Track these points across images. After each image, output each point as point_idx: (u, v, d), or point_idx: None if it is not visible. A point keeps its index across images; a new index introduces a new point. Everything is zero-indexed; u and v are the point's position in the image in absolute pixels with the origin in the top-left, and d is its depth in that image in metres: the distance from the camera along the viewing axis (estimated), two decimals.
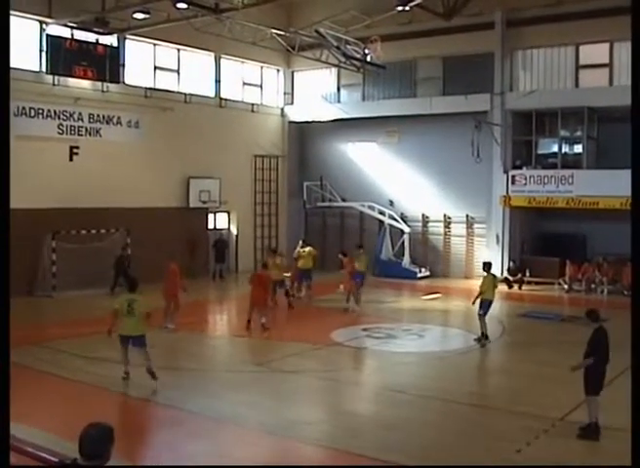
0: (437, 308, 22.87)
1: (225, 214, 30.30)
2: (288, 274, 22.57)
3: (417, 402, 12.27)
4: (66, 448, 6.07)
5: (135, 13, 23.12)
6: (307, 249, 22.90)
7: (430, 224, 30.24)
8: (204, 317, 21.35)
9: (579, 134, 26.84)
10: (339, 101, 31.70)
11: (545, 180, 26.19)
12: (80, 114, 24.00)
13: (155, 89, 27.07)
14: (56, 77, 23.52)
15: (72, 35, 23.58)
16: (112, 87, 25.11)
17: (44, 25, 23.31)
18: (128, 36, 25.37)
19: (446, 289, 26.26)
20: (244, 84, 31.23)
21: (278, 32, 25.69)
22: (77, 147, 24.17)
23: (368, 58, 25.87)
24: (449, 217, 29.70)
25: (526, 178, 26.65)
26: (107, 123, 24.81)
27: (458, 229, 29.61)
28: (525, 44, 27.22)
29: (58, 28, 23.36)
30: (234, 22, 23.70)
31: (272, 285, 20.94)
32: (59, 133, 23.54)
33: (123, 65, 25.59)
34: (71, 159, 24.09)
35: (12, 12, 21.32)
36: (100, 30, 23.73)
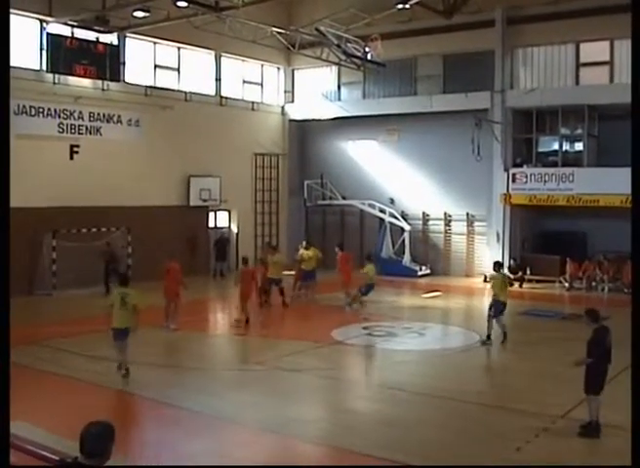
0: (438, 306, 22.86)
1: (226, 213, 30.30)
2: (290, 272, 22.55)
3: (416, 400, 12.28)
4: (67, 447, 6.08)
5: (135, 11, 23.13)
6: (311, 250, 22.78)
7: (431, 222, 30.23)
8: (204, 315, 21.35)
9: (579, 131, 26.83)
10: (339, 99, 31.69)
11: (546, 178, 26.19)
12: (80, 113, 24.00)
13: (155, 87, 27.07)
14: (56, 76, 23.52)
15: (72, 34, 23.59)
16: (112, 85, 25.10)
17: (44, 24, 23.31)
18: (128, 34, 25.38)
19: (446, 287, 26.25)
20: (244, 82, 31.22)
21: (278, 30, 25.70)
22: (77, 146, 24.17)
23: (368, 57, 25.91)
24: (449, 215, 29.70)
25: (526, 176, 26.64)
26: (108, 121, 24.81)
27: (458, 227, 29.60)
28: (525, 42, 27.20)
29: (58, 27, 23.36)
30: (234, 21, 23.71)
31: (269, 283, 20.98)
32: (59, 131, 23.55)
33: (123, 64, 25.59)
34: (72, 158, 24.10)
35: (12, 10, 21.37)
36: (101, 29, 23.73)
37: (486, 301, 24.93)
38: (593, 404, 10.10)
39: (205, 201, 28.32)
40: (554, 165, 26.74)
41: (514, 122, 27.63)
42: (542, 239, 28.13)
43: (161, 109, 26.52)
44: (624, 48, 23.81)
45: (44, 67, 23.31)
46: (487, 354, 16.45)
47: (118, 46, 25.00)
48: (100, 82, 24.69)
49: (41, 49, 23.37)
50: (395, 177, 30.62)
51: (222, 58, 29.82)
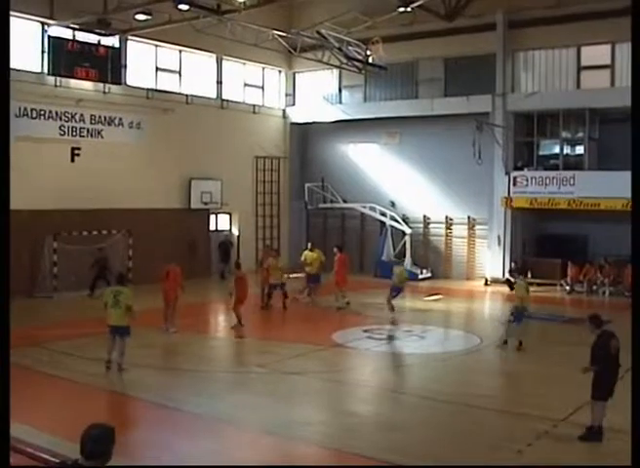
0: (438, 309, 22.84)
1: (227, 216, 30.30)
2: (296, 275, 22.55)
3: (417, 403, 12.27)
4: (67, 449, 6.07)
5: (136, 14, 23.14)
6: (315, 252, 22.71)
7: (432, 226, 30.22)
8: (205, 317, 21.34)
9: (580, 135, 26.84)
10: (340, 103, 31.71)
11: (547, 182, 26.20)
12: (82, 115, 24.02)
13: (157, 90, 27.09)
14: (57, 78, 23.55)
15: (74, 36, 23.63)
16: (114, 88, 25.13)
17: (46, 27, 23.35)
18: (129, 37, 25.41)
19: (447, 290, 26.23)
20: (245, 85, 31.25)
21: (280, 33, 25.71)
22: (79, 148, 24.19)
23: (369, 60, 25.89)
24: (450, 219, 29.69)
25: (527, 180, 26.64)
26: (109, 124, 24.83)
27: (459, 230, 29.59)
28: (526, 45, 27.22)
29: (59, 29, 23.40)
30: (236, 24, 23.72)
31: (268, 287, 20.95)
32: (60, 134, 23.56)
33: (125, 66, 25.62)
34: (73, 160, 24.12)
35: (13, 13, 21.41)
36: (102, 31, 23.75)
37: (487, 305, 25.14)
38: (597, 408, 10.05)
39: (206, 204, 28.32)
40: (555, 168, 26.74)
41: (515, 125, 27.65)
42: (543, 242, 28.12)
43: (162, 112, 26.54)
44: (625, 51, 23.82)
45: (45, 70, 23.32)
46: (488, 357, 16.43)
47: (120, 49, 25.03)
48: (101, 85, 24.71)
49: (43, 51, 23.39)
50: (396, 181, 30.62)
51: (224, 61, 29.85)
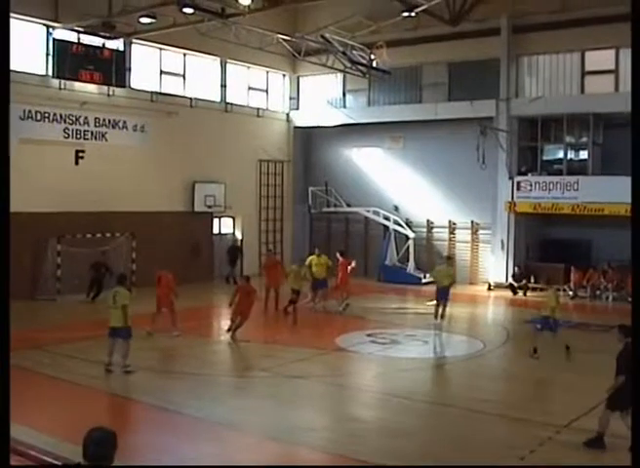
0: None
1: (230, 219, 30.29)
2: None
3: (420, 408, 12.24)
4: (68, 451, 6.07)
5: (141, 17, 23.15)
6: (322, 257, 22.30)
7: (435, 230, 30.19)
8: (208, 321, 21.33)
9: (584, 140, 26.80)
10: (344, 107, 31.71)
11: (551, 187, 26.16)
12: (86, 118, 24.05)
13: (161, 93, 27.12)
14: (62, 81, 23.58)
15: (79, 39, 23.65)
16: (118, 91, 25.16)
17: (50, 29, 23.38)
18: (134, 40, 25.45)
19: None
20: (250, 89, 31.27)
21: (284, 37, 25.73)
22: (83, 151, 24.21)
23: (374, 64, 25.92)
24: (454, 223, 29.66)
25: (531, 185, 26.61)
26: (113, 127, 24.85)
27: (462, 235, 29.55)
28: (531, 50, 27.20)
29: (64, 32, 23.44)
30: (240, 27, 23.74)
31: (294, 293, 20.66)
32: (64, 136, 23.59)
33: (129, 70, 25.65)
34: (77, 163, 24.14)
35: (19, 16, 21.50)
36: (107, 34, 23.79)
37: (490, 309, 25.06)
38: (605, 417, 9.90)
39: (210, 207, 28.33)
40: (559, 173, 26.70)
41: (519, 130, 27.62)
42: (547, 247, 28.06)
43: (166, 115, 26.57)
44: (630, 56, 23.75)
45: (50, 73, 23.35)
46: (491, 362, 16.39)
47: (124, 52, 25.07)
48: (105, 87, 24.75)
49: (47, 54, 23.43)
50: (400, 185, 30.60)
51: (228, 65, 29.87)
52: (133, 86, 26.00)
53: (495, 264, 27.97)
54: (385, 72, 26.37)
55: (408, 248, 29.27)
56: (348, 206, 31.14)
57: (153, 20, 23.22)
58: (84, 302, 22.00)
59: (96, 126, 24.35)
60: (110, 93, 25.02)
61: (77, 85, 23.96)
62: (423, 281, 28.53)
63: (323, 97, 32.33)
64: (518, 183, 26.82)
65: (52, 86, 23.48)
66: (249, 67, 30.84)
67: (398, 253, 29.59)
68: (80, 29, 23.34)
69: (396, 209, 30.51)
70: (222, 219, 29.88)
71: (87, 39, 23.77)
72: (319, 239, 31.25)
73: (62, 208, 23.07)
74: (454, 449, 10.06)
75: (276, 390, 13.22)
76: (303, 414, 11.82)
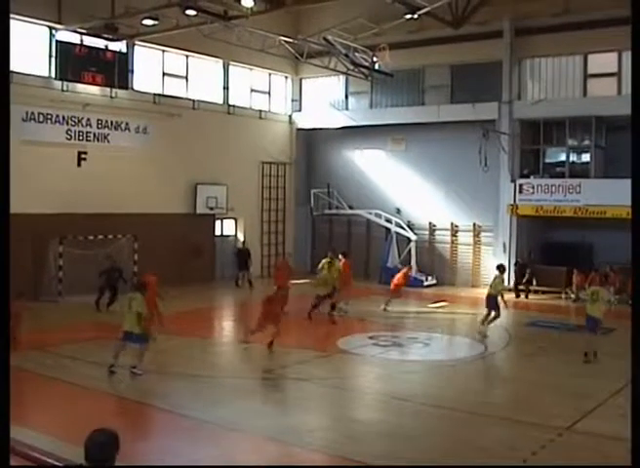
0: (443, 316, 22.79)
1: (232, 221, 30.30)
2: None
3: (422, 410, 12.22)
4: (69, 452, 6.06)
5: (144, 19, 23.17)
6: (335, 263, 21.49)
7: (437, 232, 30.19)
8: (210, 323, 21.32)
9: (586, 143, 26.78)
10: (346, 109, 31.73)
11: (553, 189, 26.15)
12: (88, 120, 24.09)
13: (164, 95, 27.16)
14: (65, 83, 23.61)
15: (81, 41, 23.69)
16: (121, 93, 25.18)
17: (54, 31, 23.42)
18: (137, 42, 25.48)
19: (452, 297, 26.19)
20: (252, 91, 31.30)
21: (287, 39, 25.76)
22: (85, 153, 24.23)
23: (376, 66, 25.92)
24: (456, 226, 29.65)
25: (533, 187, 26.60)
26: (115, 129, 24.89)
27: (464, 238, 29.55)
28: (533, 53, 27.21)
29: (67, 34, 23.47)
30: (243, 30, 23.77)
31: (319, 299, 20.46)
32: (67, 138, 23.62)
33: (132, 71, 25.69)
34: (79, 164, 24.16)
35: (22, 17, 21.54)
36: (110, 36, 23.81)
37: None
38: None
39: (212, 209, 28.34)
40: (561, 176, 26.69)
41: (521, 133, 27.61)
42: (549, 250, 28.04)
43: (169, 117, 26.60)
44: None
45: (53, 74, 23.39)
46: (493, 365, 16.39)
47: (127, 54, 25.11)
48: (108, 89, 24.77)
49: (50, 56, 23.46)
50: (402, 187, 30.61)
51: (230, 67, 29.91)
52: (135, 88, 26.04)
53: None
54: (388, 74, 26.38)
55: (410, 250, 29.26)
56: (350, 208, 31.15)
57: (156, 22, 23.23)
58: (88, 303, 21.50)
59: (98, 127, 24.39)
60: (113, 94, 25.04)
61: (80, 86, 23.99)
62: (425, 283, 28.56)
63: (325, 100, 32.35)
64: (520, 186, 26.82)
65: (54, 87, 23.51)
66: (251, 69, 30.87)
67: (400, 256, 29.57)
68: (83, 31, 23.36)
69: (398, 211, 30.51)
70: (225, 221, 29.89)
71: (90, 41, 23.79)
72: (321, 241, 31.29)
73: (65, 209, 23.08)
74: (455, 452, 10.05)
75: (278, 392, 13.22)
76: (305, 416, 11.81)
